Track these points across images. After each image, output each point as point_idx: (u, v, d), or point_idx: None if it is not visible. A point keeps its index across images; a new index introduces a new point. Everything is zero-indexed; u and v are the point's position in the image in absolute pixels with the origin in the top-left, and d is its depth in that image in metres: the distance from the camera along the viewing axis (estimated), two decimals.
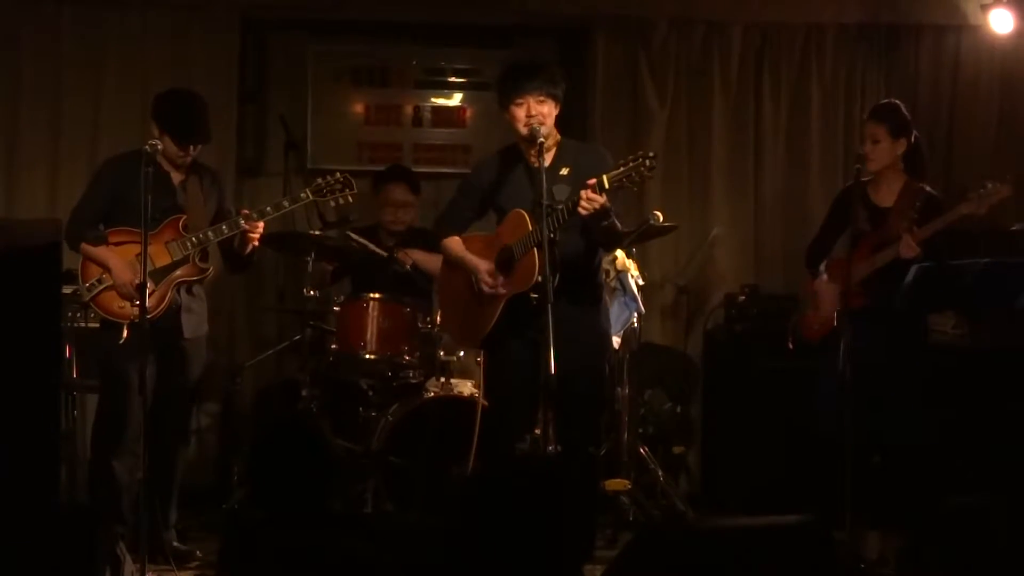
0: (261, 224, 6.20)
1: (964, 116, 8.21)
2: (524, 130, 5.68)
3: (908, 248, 6.01)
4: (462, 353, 6.88)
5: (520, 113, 5.70)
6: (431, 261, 6.84)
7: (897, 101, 6.47)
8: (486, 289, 5.77)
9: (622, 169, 5.40)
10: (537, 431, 6.14)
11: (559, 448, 5.70)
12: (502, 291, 5.73)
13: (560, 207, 5.51)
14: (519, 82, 5.73)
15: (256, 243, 6.25)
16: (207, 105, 6.35)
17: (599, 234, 5.70)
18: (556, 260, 5.49)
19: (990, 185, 6.01)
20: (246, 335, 8.12)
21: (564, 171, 5.72)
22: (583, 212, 5.41)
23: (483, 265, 5.80)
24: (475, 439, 6.40)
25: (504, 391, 5.89)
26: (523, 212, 5.69)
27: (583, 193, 5.39)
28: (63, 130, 7.83)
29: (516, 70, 5.85)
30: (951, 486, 6.31)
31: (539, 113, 5.68)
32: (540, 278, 5.39)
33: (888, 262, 6.09)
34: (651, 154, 5.40)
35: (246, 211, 6.27)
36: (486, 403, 6.28)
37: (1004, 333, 6.96)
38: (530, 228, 5.60)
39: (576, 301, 5.66)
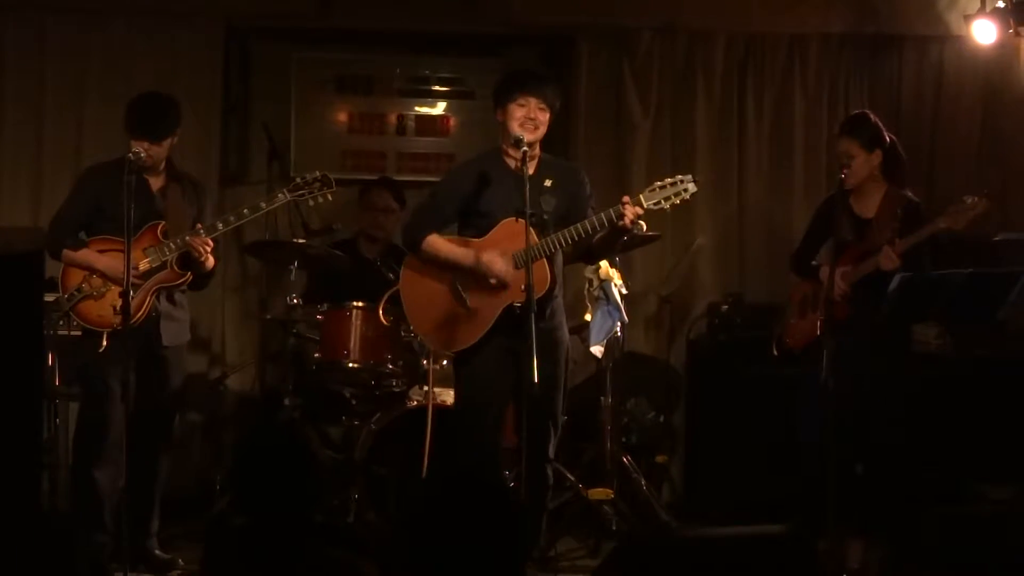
0: (210, 241, 6.16)
1: (947, 126, 8.22)
2: (519, 130, 5.65)
3: (888, 260, 6.03)
4: (445, 362, 6.85)
5: (520, 113, 5.70)
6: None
7: (866, 111, 6.50)
8: (507, 277, 5.67)
9: (660, 191, 5.50)
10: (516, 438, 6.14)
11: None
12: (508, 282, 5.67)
13: (546, 220, 5.55)
14: (530, 83, 5.75)
15: (209, 259, 6.17)
16: (173, 102, 6.30)
17: (604, 247, 5.80)
18: (555, 272, 5.63)
19: (968, 200, 6.02)
20: (229, 344, 8.09)
21: (548, 182, 5.74)
22: (628, 224, 5.48)
23: (494, 256, 5.69)
24: (427, 444, 6.44)
25: (481, 398, 5.83)
26: (523, 222, 5.60)
27: (626, 207, 5.46)
28: (46, 139, 7.81)
29: (529, 72, 5.95)
30: (933, 496, 6.33)
31: (537, 119, 5.70)
32: (524, 287, 5.34)
33: (869, 273, 6.10)
34: (693, 177, 5.47)
35: (200, 227, 6.20)
36: (452, 409, 6.26)
37: (987, 343, 6.98)
38: (536, 240, 5.55)
39: (550, 313, 5.72)
